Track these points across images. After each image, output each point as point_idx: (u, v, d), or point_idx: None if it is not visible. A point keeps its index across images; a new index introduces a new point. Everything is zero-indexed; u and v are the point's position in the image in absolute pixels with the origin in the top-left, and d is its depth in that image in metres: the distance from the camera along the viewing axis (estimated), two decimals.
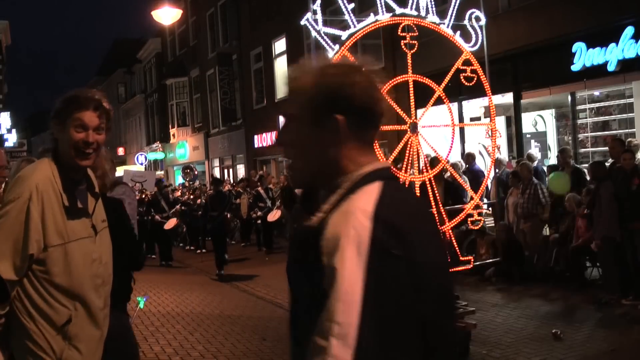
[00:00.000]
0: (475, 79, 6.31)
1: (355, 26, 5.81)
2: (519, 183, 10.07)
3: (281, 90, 22.36)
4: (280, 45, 22.35)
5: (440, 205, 6.14)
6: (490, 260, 7.50)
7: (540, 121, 13.06)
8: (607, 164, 8.92)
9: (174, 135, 33.66)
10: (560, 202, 9.63)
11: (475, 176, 10.43)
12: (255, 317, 8.73)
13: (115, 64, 46.80)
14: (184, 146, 32.51)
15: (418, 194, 5.92)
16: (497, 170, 11.45)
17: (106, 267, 2.75)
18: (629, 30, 9.98)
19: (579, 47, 10.75)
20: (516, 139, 12.72)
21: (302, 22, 5.76)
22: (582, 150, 11.83)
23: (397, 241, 1.38)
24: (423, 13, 6.05)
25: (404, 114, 6.11)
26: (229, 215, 15.20)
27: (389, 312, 1.34)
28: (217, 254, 12.89)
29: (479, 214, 6.40)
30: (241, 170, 26.41)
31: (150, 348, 6.98)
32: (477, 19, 6.36)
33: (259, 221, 16.21)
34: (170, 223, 15.64)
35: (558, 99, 12.07)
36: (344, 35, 5.79)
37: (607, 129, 11.81)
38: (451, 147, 6.67)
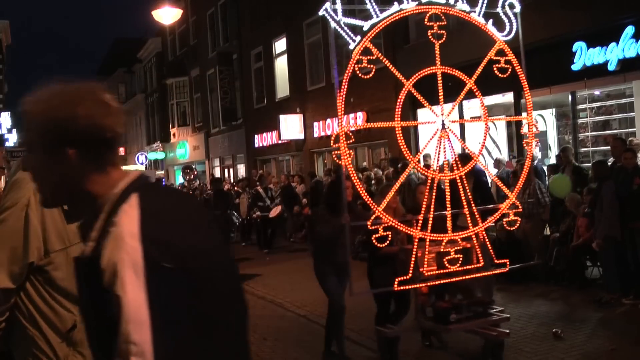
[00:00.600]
0: (510, 70, 5.87)
1: (378, 16, 5.42)
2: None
3: (281, 89, 22.41)
4: (280, 44, 22.35)
5: (473, 204, 5.71)
6: (530, 264, 7.11)
7: (540, 120, 13.04)
8: (608, 163, 8.92)
9: (174, 134, 33.67)
10: (560, 202, 9.61)
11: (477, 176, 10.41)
12: (255, 317, 8.72)
13: (116, 64, 46.85)
14: (185, 146, 32.52)
15: (448, 193, 5.63)
16: (497, 170, 11.47)
17: None
18: (630, 30, 9.98)
19: (579, 46, 10.74)
20: (516, 138, 12.72)
21: (321, 13, 5.39)
22: (583, 149, 11.83)
23: (168, 254, 1.44)
24: (452, 0, 5.67)
25: (432, 109, 5.76)
26: (235, 214, 15.22)
27: (176, 321, 1.44)
28: None
29: (515, 214, 5.89)
30: (241, 170, 26.42)
31: None
32: (511, 6, 5.96)
33: (259, 219, 16.23)
34: None
35: (558, 98, 12.07)
36: (365, 25, 5.41)
37: (607, 128, 11.80)
38: (484, 142, 6.34)
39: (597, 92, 11.69)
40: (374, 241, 5.30)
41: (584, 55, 10.66)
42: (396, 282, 5.37)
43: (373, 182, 13.28)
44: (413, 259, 5.45)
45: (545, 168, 11.49)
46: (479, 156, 6.23)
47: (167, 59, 35.16)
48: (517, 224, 5.91)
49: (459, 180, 5.67)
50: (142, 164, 36.03)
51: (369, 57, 5.30)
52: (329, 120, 18.55)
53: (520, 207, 6.00)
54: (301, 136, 20.55)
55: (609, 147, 10.06)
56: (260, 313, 9.01)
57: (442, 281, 5.66)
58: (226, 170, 28.66)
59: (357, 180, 5.67)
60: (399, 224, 5.44)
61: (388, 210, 5.60)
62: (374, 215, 5.31)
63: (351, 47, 5.32)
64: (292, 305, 9.22)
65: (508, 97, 12.44)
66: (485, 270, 5.80)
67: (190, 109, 32.24)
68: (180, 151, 33.16)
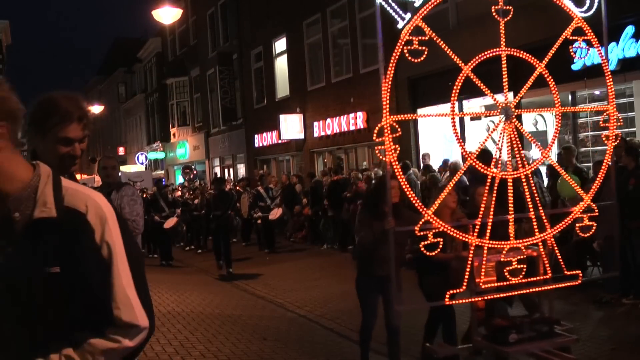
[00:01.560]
0: (589, 52, 5.22)
1: None
2: None
3: (281, 89, 22.42)
4: (280, 44, 22.35)
5: (541, 208, 5.05)
6: (604, 276, 6.45)
7: (540, 120, 13.05)
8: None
9: (174, 134, 33.67)
10: (561, 201, 9.60)
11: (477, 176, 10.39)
12: (255, 317, 8.73)
13: (116, 64, 46.86)
14: (185, 146, 32.52)
15: (511, 195, 4.98)
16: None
17: None
18: (629, 30, 9.98)
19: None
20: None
21: None
22: (583, 149, 11.83)
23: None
24: None
25: (494, 97, 5.20)
26: (232, 213, 15.22)
27: (135, 260, 1.77)
28: (225, 253, 12.83)
29: (590, 219, 5.09)
30: (242, 170, 26.42)
31: (150, 347, 6.97)
32: None
33: (260, 221, 16.23)
34: (170, 222, 15.67)
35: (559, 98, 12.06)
36: (417, 1, 4.77)
37: (607, 128, 11.79)
38: (555, 135, 5.58)
39: (597, 92, 11.68)
40: (422, 249, 4.65)
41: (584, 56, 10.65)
42: (447, 295, 4.74)
43: (373, 182, 13.28)
44: (468, 268, 4.79)
45: (544, 168, 11.48)
46: (549, 151, 5.41)
47: (167, 59, 35.16)
48: (593, 230, 5.13)
49: (524, 180, 5.05)
50: (142, 163, 36.03)
51: (420, 38, 4.59)
52: (329, 120, 18.55)
53: (596, 210, 5.15)
54: (301, 136, 20.56)
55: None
56: (260, 313, 9.02)
57: (501, 295, 5.04)
58: (226, 170, 28.66)
59: (404, 181, 4.93)
60: (452, 229, 4.74)
61: (444, 211, 5.08)
62: (423, 220, 4.64)
63: (399, 25, 4.68)
64: (292, 305, 9.23)
65: (508, 97, 12.42)
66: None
67: (190, 109, 32.24)
68: (180, 151, 33.17)
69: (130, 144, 44.82)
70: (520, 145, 5.19)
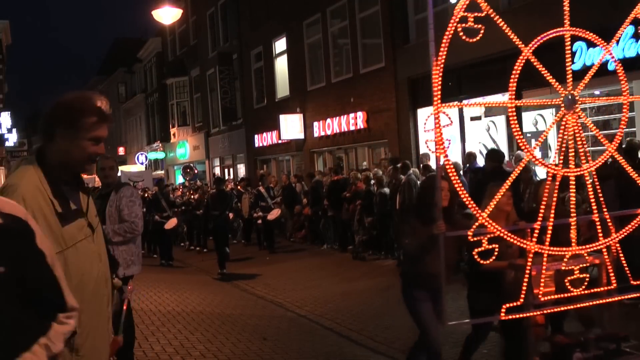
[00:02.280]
0: None
1: None
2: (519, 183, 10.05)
3: (281, 89, 22.41)
4: (280, 44, 22.35)
5: (605, 209, 4.63)
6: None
7: (540, 120, 13.04)
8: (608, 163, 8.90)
9: (174, 134, 33.68)
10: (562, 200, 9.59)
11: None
12: (255, 317, 8.73)
13: (116, 64, 46.88)
14: (185, 146, 32.53)
15: (573, 194, 4.63)
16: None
17: (106, 264, 2.71)
18: (630, 30, 9.95)
19: (579, 46, 10.73)
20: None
21: None
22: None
23: None
24: None
25: (556, 84, 4.79)
26: (231, 215, 15.21)
27: None
28: (218, 254, 12.90)
29: None
30: (242, 170, 26.42)
31: (150, 347, 6.98)
32: None
33: (260, 221, 16.23)
34: (171, 223, 15.67)
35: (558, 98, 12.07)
36: None
37: (607, 128, 11.80)
38: (622, 127, 5.06)
39: (596, 92, 11.68)
40: (476, 256, 4.21)
41: (584, 55, 10.66)
42: (503, 310, 4.29)
43: (373, 182, 13.28)
44: (526, 278, 4.33)
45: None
46: (617, 146, 4.97)
47: (167, 59, 35.16)
48: None
49: (587, 177, 4.63)
50: (142, 163, 36.04)
51: (476, 14, 4.13)
52: (329, 120, 18.55)
53: None
54: (301, 136, 20.56)
55: None
56: (261, 313, 9.02)
57: (562, 308, 4.58)
58: (226, 170, 28.66)
59: (457, 180, 4.44)
60: (509, 234, 4.27)
61: (499, 215, 4.57)
62: (477, 223, 4.20)
63: (452, 0, 4.46)
64: (292, 305, 9.23)
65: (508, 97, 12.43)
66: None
67: (190, 109, 32.24)
68: (180, 151, 33.17)
69: (130, 144, 44.83)
70: (583, 139, 4.71)
